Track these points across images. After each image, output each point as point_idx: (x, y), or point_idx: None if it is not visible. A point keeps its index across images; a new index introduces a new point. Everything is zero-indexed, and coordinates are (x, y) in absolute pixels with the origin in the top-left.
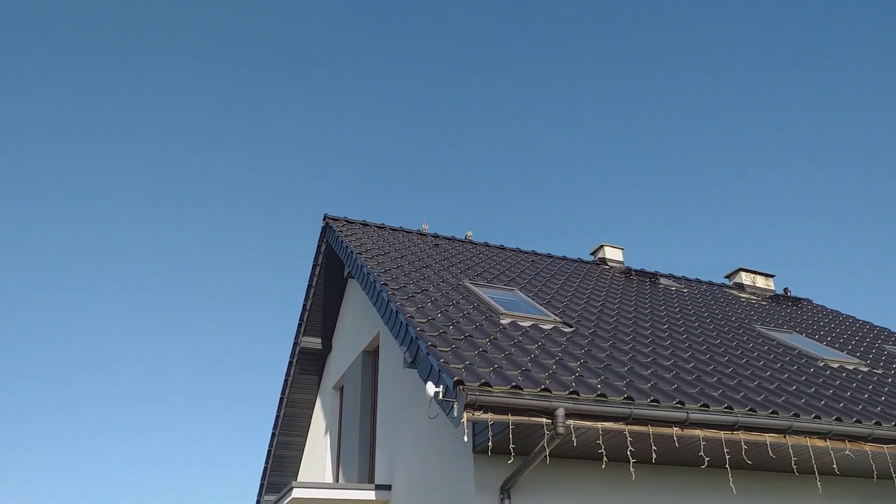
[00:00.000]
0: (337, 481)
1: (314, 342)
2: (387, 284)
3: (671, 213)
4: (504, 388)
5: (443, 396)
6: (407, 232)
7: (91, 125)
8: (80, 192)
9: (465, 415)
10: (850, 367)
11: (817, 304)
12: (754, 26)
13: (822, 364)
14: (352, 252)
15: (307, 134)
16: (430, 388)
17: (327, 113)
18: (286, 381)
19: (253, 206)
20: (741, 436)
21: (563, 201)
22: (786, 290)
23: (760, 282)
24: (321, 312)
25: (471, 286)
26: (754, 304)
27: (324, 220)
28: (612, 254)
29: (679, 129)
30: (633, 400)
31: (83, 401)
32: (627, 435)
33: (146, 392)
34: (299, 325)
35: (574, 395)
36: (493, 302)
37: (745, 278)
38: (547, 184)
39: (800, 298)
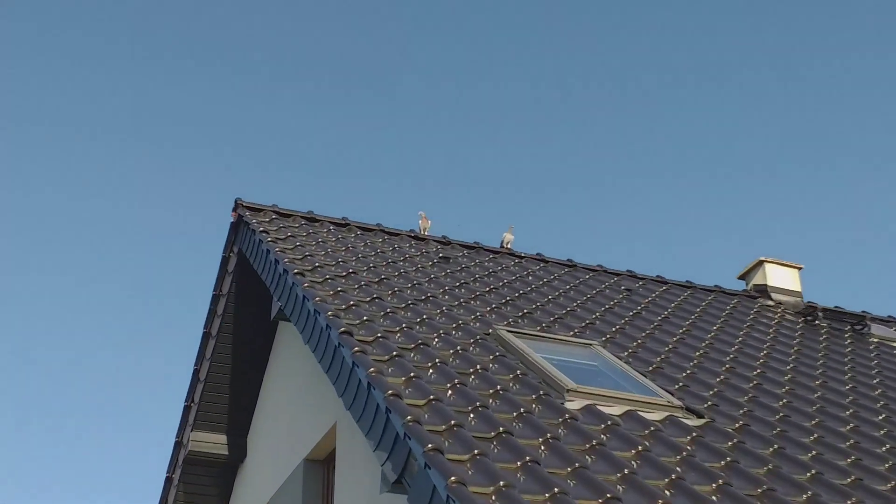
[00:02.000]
0: None
1: (213, 442)
2: (351, 333)
3: (884, 209)
4: None
5: None
6: (390, 234)
7: None
8: None
9: None
10: None
11: None
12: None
13: None
14: (286, 271)
15: (218, 81)
16: None
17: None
18: None
19: (102, 194)
20: None
21: (685, 186)
22: None
23: None
24: (227, 388)
25: (511, 337)
26: None
27: (234, 210)
28: (781, 278)
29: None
30: None
31: None
32: None
33: None
34: (186, 410)
35: None
36: (552, 368)
37: None
38: (653, 158)
39: None
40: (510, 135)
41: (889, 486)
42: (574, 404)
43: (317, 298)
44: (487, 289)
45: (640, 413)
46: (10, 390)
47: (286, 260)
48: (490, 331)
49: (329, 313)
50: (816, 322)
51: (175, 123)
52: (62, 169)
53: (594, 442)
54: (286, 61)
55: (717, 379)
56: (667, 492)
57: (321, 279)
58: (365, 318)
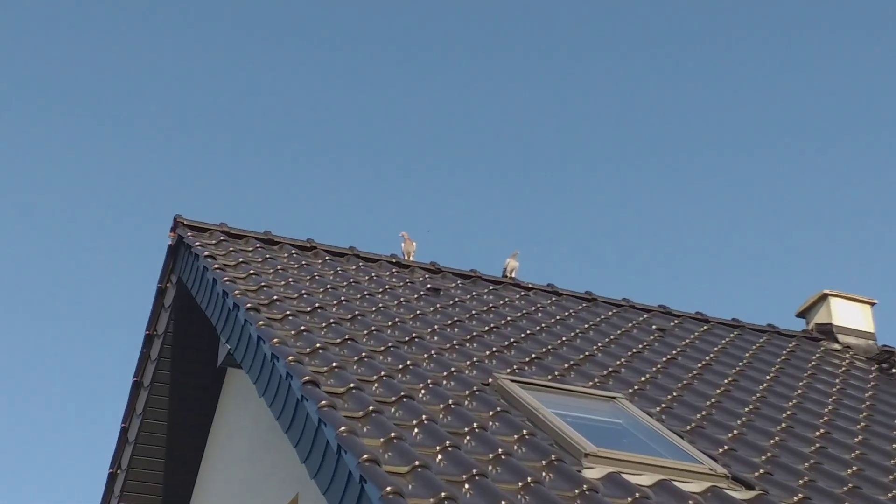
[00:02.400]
0: None
1: None
2: (317, 383)
3: None
4: None
5: None
6: (368, 260)
7: None
8: None
9: None
10: None
11: None
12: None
13: None
14: (237, 306)
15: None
16: None
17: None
18: None
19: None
20: None
21: (725, 208)
22: None
23: None
24: (163, 451)
25: (515, 388)
26: None
27: (173, 230)
28: (850, 316)
29: None
30: None
31: None
32: None
33: None
34: (110, 478)
35: None
36: (566, 426)
37: None
38: (679, 173)
39: None
40: (511, 136)
41: None
42: (594, 472)
43: (275, 340)
44: (487, 328)
45: (675, 483)
46: None
47: (237, 292)
48: (490, 380)
49: (290, 358)
50: (894, 370)
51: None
52: None
53: None
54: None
55: (771, 441)
56: None
57: (280, 315)
58: (335, 364)
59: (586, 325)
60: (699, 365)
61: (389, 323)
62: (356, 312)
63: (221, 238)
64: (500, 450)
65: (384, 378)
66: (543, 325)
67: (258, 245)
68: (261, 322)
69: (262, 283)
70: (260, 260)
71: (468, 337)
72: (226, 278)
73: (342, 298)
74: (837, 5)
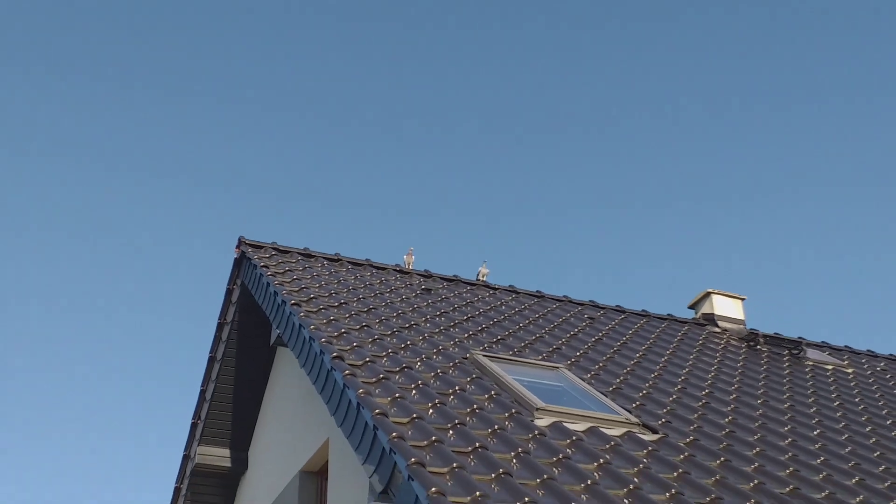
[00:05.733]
0: None
1: (218, 456)
2: (342, 358)
3: (819, 246)
4: None
5: None
6: (378, 268)
7: None
8: None
9: None
10: None
11: None
12: None
13: None
14: (284, 302)
15: (217, 123)
16: None
17: (245, 95)
18: None
19: (117, 229)
20: None
21: (639, 220)
22: None
23: None
24: (230, 406)
25: (486, 361)
26: None
27: (238, 247)
28: (726, 308)
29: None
30: None
31: None
32: None
33: None
34: (193, 426)
35: None
36: (522, 388)
37: None
38: (609, 194)
39: None
40: (487, 181)
41: (823, 494)
42: (542, 422)
43: (311, 327)
44: (465, 317)
45: (601, 429)
46: (32, 402)
47: (284, 292)
48: (467, 356)
49: (322, 340)
50: (758, 347)
51: (189, 167)
52: (88, 204)
53: (560, 456)
54: (284, 112)
55: (670, 398)
56: (626, 501)
57: (315, 309)
58: (355, 344)
59: (536, 315)
60: (618, 344)
61: (394, 314)
62: (370, 307)
63: (272, 253)
64: (475, 406)
65: (391, 354)
66: (505, 315)
67: (299, 258)
68: (301, 314)
69: (302, 286)
70: (301, 269)
71: (452, 324)
72: (276, 282)
73: (360, 297)
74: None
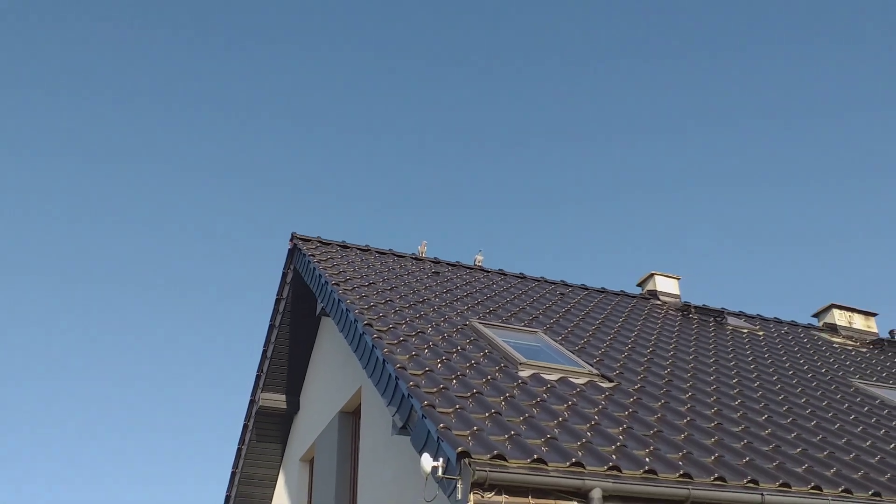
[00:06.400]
0: None
1: (276, 400)
2: (371, 325)
3: (740, 234)
4: (523, 461)
5: (443, 473)
6: (398, 256)
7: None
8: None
9: (472, 497)
10: None
11: None
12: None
13: None
14: (326, 282)
15: (275, 135)
16: (427, 461)
17: (298, 111)
18: (240, 450)
19: (200, 225)
20: None
21: (601, 218)
22: (892, 332)
23: (859, 322)
24: (286, 361)
25: (481, 327)
26: (851, 351)
27: (291, 240)
28: (666, 285)
29: (749, 128)
30: (691, 478)
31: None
32: None
33: (59, 466)
34: (257, 377)
35: (615, 472)
36: (509, 348)
37: (840, 318)
38: (579, 197)
39: None
40: (482, 187)
41: (740, 429)
42: (524, 373)
43: (347, 301)
44: (465, 294)
45: (569, 379)
46: (132, 360)
47: (326, 274)
48: (467, 323)
49: (356, 311)
50: (690, 316)
51: (255, 172)
52: (179, 203)
53: (538, 399)
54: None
55: (622, 355)
56: (588, 433)
57: (350, 288)
58: (381, 314)
59: (520, 292)
60: (583, 313)
61: (411, 292)
62: (392, 286)
63: (317, 244)
64: (472, 361)
65: (408, 322)
66: (496, 292)
67: (338, 248)
68: (340, 291)
69: (340, 270)
70: (339, 257)
71: (455, 299)
72: (320, 267)
73: (384, 278)
74: None
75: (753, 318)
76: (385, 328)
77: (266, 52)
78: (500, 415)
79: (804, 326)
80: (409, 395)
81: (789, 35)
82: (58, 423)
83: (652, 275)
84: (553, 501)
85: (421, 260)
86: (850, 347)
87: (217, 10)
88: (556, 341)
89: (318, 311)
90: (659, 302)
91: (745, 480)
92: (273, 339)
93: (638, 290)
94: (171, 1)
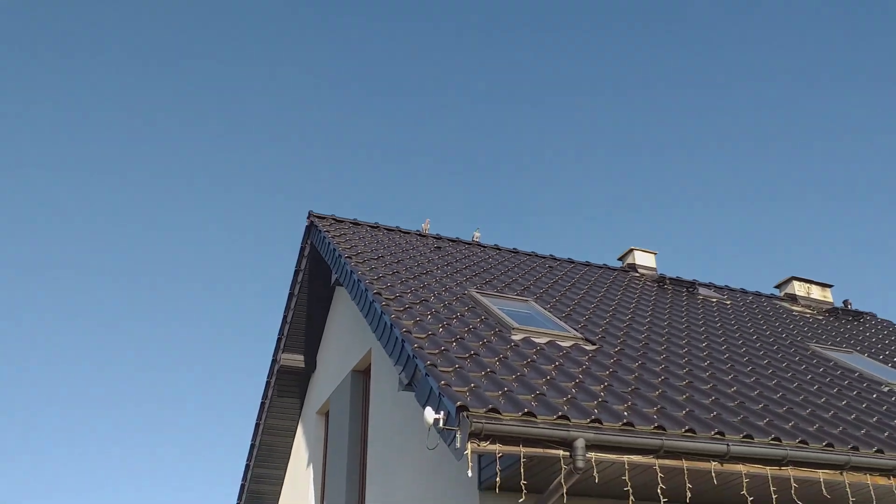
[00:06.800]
0: None
1: (296, 360)
2: (380, 293)
3: (711, 213)
4: (515, 414)
5: (444, 424)
6: (404, 233)
7: (65, 121)
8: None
9: (469, 446)
10: None
11: (882, 319)
12: (803, 29)
13: (886, 389)
14: (340, 255)
15: (293, 123)
16: (430, 414)
17: (314, 100)
18: (263, 404)
19: (226, 204)
20: (790, 472)
21: (587, 199)
22: (846, 302)
23: (816, 293)
24: (304, 325)
25: (478, 296)
26: (808, 318)
27: (308, 218)
28: (644, 259)
29: (716, 119)
30: (664, 430)
31: (31, 422)
32: (658, 470)
33: (102, 416)
34: (278, 339)
35: (596, 424)
36: (503, 315)
37: (799, 289)
38: (568, 180)
39: (862, 312)
40: (481, 170)
41: (708, 386)
42: (517, 337)
43: (359, 272)
44: (464, 267)
45: (557, 342)
46: (177, 325)
47: (340, 248)
48: (465, 293)
49: (367, 281)
50: (665, 286)
51: (261, 162)
52: (214, 188)
53: (529, 360)
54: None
55: (604, 321)
56: (573, 390)
57: (362, 261)
58: (388, 284)
59: (513, 265)
60: (569, 284)
61: (415, 264)
62: (399, 259)
63: (332, 222)
64: (470, 326)
65: (413, 291)
66: (492, 265)
67: (350, 225)
68: (352, 263)
69: (353, 244)
70: (351, 233)
71: (455, 271)
72: (334, 242)
73: (392, 252)
74: None
75: (722, 288)
76: (392, 297)
77: (276, 41)
78: (495, 373)
79: (767, 296)
80: (413, 355)
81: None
82: (106, 380)
83: (631, 250)
84: (541, 450)
85: (424, 236)
86: (808, 315)
87: None
88: (545, 309)
89: (332, 282)
90: (637, 274)
91: (712, 432)
92: (293, 306)
93: (619, 264)
94: None
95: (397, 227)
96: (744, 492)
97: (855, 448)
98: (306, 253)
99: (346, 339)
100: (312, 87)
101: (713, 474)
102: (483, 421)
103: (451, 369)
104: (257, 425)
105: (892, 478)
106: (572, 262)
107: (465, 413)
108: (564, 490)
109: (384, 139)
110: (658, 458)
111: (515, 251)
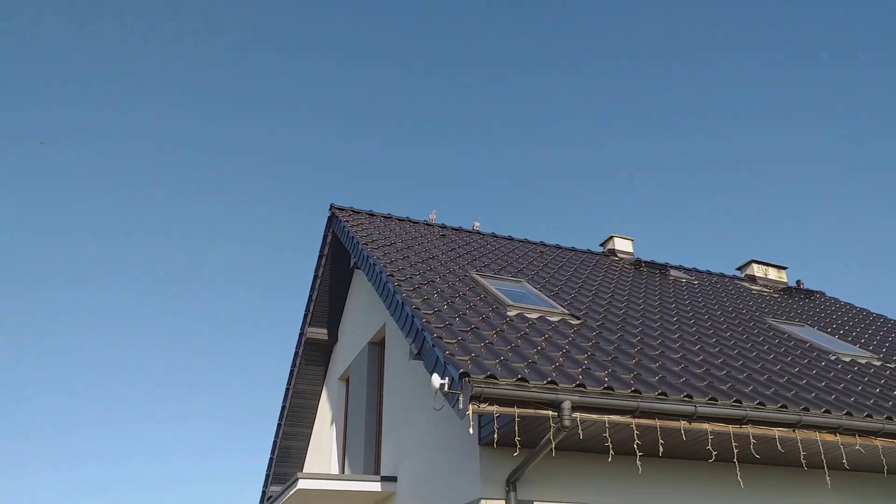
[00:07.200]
0: (343, 473)
1: (320, 333)
2: (392, 275)
3: (682, 204)
4: (510, 380)
5: (448, 388)
6: (413, 222)
7: (92, 115)
8: (85, 180)
9: (470, 407)
10: (863, 361)
11: (830, 297)
12: (767, 13)
13: (833, 357)
14: (357, 242)
15: (314, 124)
16: (436, 379)
17: (334, 103)
18: (292, 371)
19: (260, 197)
20: (750, 430)
21: (573, 192)
22: (798, 282)
23: (773, 274)
24: (327, 303)
25: (477, 277)
26: (766, 296)
27: (330, 210)
28: (622, 245)
29: (688, 117)
30: (640, 393)
31: (84, 392)
32: (634, 428)
33: (152, 383)
34: (305, 315)
35: (581, 388)
36: (499, 293)
37: (757, 270)
38: (556, 175)
39: (812, 291)
40: (480, 167)
41: (678, 356)
42: (512, 312)
43: (376, 256)
44: (466, 252)
45: (547, 318)
46: (205, 310)
47: (358, 236)
48: (467, 274)
49: (381, 265)
50: (641, 269)
51: (283, 154)
52: (232, 183)
53: (522, 333)
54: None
55: (587, 299)
56: (560, 359)
57: (377, 247)
58: (400, 267)
59: (508, 251)
60: (557, 266)
61: (423, 250)
62: (409, 245)
63: (351, 213)
64: (471, 303)
65: (421, 273)
66: (490, 250)
67: (367, 216)
68: (368, 249)
69: (369, 233)
70: (368, 223)
71: (458, 256)
72: (353, 231)
73: (403, 239)
74: None
75: (690, 270)
76: (403, 278)
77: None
78: (493, 344)
79: (730, 277)
80: (421, 329)
81: None
82: (156, 357)
83: (611, 237)
84: (533, 411)
85: (431, 225)
86: (766, 293)
87: None
88: (536, 288)
89: (351, 265)
90: (617, 258)
91: (682, 395)
92: (317, 286)
93: (600, 249)
94: None
95: (407, 217)
96: (709, 447)
97: (806, 409)
98: (329, 240)
99: (363, 314)
100: (333, 96)
101: (682, 432)
102: (482, 385)
103: (454, 341)
104: (287, 390)
105: (837, 434)
106: (560, 247)
107: (466, 379)
108: (553, 445)
109: (397, 140)
110: (634, 417)
111: (510, 238)
